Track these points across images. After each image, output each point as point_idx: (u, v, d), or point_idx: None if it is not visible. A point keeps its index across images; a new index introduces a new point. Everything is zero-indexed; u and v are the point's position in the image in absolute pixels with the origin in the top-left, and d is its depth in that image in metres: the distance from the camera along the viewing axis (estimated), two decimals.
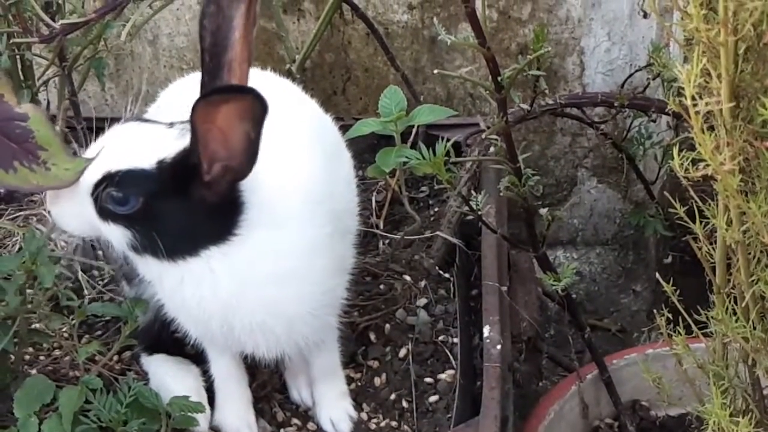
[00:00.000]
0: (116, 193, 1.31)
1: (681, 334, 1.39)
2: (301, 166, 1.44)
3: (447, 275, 1.83)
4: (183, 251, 1.35)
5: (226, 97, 1.24)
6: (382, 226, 1.93)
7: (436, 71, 1.55)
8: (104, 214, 1.33)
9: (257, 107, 1.22)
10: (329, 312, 1.50)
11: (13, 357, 1.53)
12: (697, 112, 1.09)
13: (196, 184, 1.30)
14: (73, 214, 1.35)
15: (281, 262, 1.38)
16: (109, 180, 1.31)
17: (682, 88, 1.10)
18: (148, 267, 1.40)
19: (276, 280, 1.38)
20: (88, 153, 1.34)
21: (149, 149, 1.32)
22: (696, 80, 1.08)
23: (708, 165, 1.14)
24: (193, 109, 1.24)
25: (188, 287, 1.38)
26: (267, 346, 1.46)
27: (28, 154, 1.30)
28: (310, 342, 1.48)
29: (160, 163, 1.30)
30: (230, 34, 1.31)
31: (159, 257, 1.35)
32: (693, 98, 1.07)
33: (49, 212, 1.38)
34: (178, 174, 1.30)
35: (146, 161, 1.31)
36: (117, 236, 1.35)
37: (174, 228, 1.33)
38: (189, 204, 1.32)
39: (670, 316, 1.44)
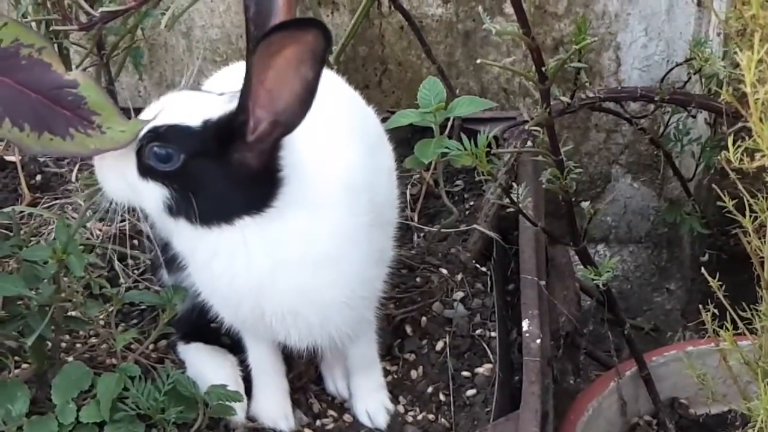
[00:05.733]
0: (158, 149, 1.32)
1: (728, 329, 1.37)
2: (343, 154, 1.43)
3: (484, 269, 1.81)
4: (218, 217, 1.34)
5: (291, 34, 1.22)
6: (416, 219, 1.92)
7: (478, 61, 1.53)
8: (144, 171, 1.34)
9: (321, 42, 1.21)
10: (365, 304, 1.48)
11: (50, 344, 1.53)
12: (756, 100, 1.07)
13: (239, 146, 1.31)
14: (115, 172, 1.36)
15: (317, 246, 1.37)
16: (153, 134, 1.32)
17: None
18: (182, 237, 1.39)
19: (310, 265, 1.37)
20: (142, 116, 1.36)
21: (197, 110, 1.33)
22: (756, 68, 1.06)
23: (764, 155, 1.12)
24: (254, 49, 1.24)
25: (221, 261, 1.37)
26: (299, 335, 1.44)
27: (82, 120, 1.31)
28: (343, 335, 1.46)
29: (206, 122, 1.32)
30: (273, 2, 1.35)
31: (193, 222, 1.34)
32: (753, 86, 1.06)
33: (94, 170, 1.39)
34: (222, 134, 1.31)
35: (192, 119, 1.32)
36: (154, 195, 1.34)
37: (211, 191, 1.33)
38: (229, 168, 1.32)
39: (716, 311, 1.42)
